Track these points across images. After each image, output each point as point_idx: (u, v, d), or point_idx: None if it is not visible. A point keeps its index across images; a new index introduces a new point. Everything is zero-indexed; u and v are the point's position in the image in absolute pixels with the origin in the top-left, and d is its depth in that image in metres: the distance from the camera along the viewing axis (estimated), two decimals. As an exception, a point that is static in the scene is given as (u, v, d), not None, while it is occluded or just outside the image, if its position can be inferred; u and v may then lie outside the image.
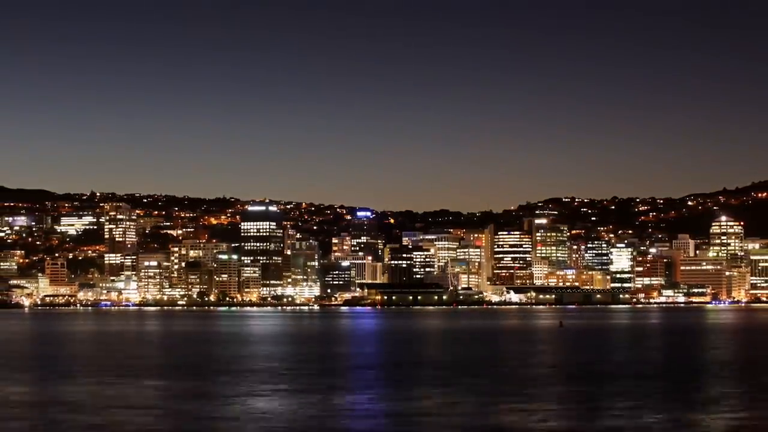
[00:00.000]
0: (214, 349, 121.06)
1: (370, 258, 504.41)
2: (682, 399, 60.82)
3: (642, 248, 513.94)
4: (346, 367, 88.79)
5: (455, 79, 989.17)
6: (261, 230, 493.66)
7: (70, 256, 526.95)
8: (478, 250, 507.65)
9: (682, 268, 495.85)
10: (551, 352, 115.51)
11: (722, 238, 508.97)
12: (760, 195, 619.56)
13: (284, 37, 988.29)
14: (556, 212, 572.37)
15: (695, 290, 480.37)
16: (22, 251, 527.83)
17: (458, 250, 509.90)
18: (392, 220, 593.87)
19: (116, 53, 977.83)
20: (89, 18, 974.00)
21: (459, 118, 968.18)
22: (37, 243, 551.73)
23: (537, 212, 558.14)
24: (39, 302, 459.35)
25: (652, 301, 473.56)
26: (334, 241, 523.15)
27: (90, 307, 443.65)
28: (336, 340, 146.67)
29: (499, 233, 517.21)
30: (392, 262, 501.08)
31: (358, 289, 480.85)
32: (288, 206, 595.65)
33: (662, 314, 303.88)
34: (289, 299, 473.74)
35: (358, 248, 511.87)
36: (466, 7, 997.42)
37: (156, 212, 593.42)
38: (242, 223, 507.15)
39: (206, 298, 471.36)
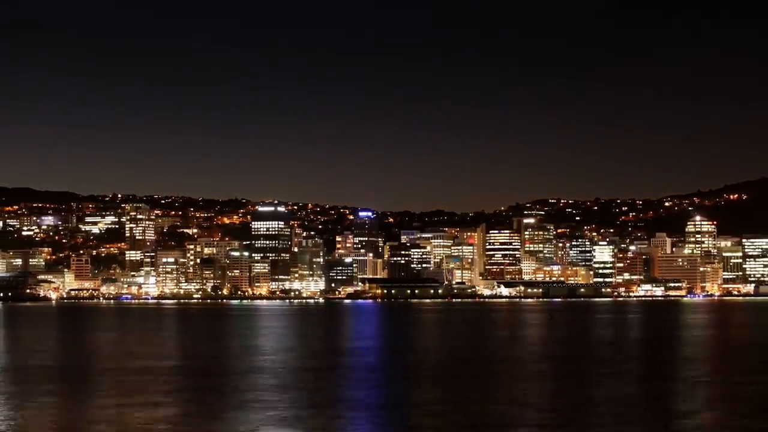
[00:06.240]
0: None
1: (371, 255, 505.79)
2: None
3: (622, 245, 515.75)
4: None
5: (449, 90, 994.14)
6: (270, 229, 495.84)
7: (94, 253, 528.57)
8: (471, 247, 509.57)
9: (660, 263, 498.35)
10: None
11: (697, 236, 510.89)
12: (731, 197, 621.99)
13: (289, 44, 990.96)
14: (543, 212, 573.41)
15: (672, 284, 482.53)
16: (50, 248, 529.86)
17: (453, 248, 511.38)
18: (392, 220, 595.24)
19: (134, 65, 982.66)
20: (111, 29, 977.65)
21: (454, 125, 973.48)
22: (63, 241, 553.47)
23: (525, 212, 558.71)
24: (65, 296, 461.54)
25: (632, 294, 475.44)
26: (338, 239, 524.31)
27: (112, 300, 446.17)
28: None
29: (491, 232, 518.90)
30: (392, 258, 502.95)
31: (360, 284, 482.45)
32: (295, 207, 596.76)
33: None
34: (296, 293, 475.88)
35: (360, 246, 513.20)
36: (463, 12, 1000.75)
37: (173, 212, 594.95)
38: (253, 223, 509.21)
39: (219, 292, 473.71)
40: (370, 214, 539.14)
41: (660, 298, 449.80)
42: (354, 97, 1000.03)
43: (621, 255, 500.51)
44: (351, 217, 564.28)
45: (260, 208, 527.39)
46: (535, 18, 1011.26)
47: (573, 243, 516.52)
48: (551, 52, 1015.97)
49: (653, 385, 64.24)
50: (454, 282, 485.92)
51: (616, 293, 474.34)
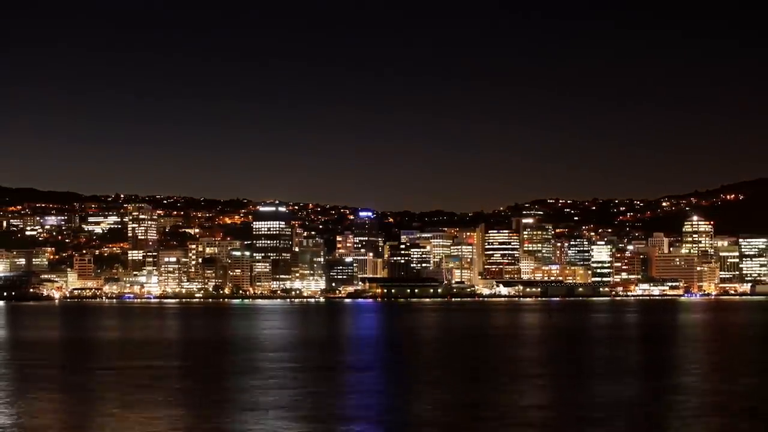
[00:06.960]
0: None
1: (371, 254, 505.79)
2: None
3: (620, 245, 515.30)
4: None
5: (448, 91, 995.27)
6: (271, 229, 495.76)
7: (97, 252, 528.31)
8: (471, 247, 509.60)
9: (657, 263, 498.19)
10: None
11: (694, 236, 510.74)
12: (728, 197, 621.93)
13: (291, 46, 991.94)
14: (541, 212, 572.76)
15: (669, 284, 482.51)
16: (53, 248, 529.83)
17: (452, 248, 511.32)
18: (392, 220, 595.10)
19: (137, 65, 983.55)
20: (113, 31, 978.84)
21: (454, 126, 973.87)
22: (67, 240, 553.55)
23: (524, 212, 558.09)
24: (68, 295, 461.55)
25: (629, 293, 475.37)
26: (339, 238, 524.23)
27: (114, 300, 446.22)
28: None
29: (490, 232, 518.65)
30: (392, 258, 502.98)
31: (360, 283, 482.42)
32: (296, 207, 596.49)
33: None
34: (297, 292, 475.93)
35: (360, 245, 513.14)
36: (461, 14, 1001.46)
37: (175, 212, 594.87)
38: (254, 223, 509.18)
39: (221, 291, 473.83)
40: (370, 214, 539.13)
41: (657, 298, 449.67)
42: (354, 98, 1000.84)
43: (619, 255, 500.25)
44: (351, 217, 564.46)
45: (261, 208, 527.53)
46: (533, 22, 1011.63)
47: (571, 243, 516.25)
48: (550, 53, 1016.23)
49: (651, 384, 64.21)
50: (453, 281, 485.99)
51: (614, 292, 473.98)
